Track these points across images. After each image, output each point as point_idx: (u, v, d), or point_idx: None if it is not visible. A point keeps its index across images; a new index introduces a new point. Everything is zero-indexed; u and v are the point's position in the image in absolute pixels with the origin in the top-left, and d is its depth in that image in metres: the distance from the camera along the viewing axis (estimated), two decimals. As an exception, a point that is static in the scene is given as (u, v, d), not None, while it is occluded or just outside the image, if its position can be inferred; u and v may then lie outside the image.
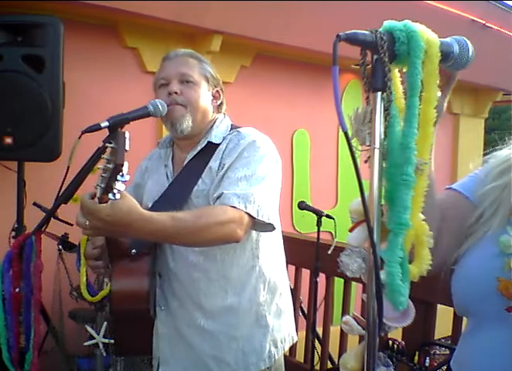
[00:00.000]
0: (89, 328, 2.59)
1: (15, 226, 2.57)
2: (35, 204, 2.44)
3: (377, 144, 0.90)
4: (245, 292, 1.59)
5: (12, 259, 1.85)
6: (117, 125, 1.51)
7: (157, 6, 2.98)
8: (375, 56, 0.91)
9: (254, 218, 1.46)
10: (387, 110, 0.92)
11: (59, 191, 1.77)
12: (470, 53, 0.99)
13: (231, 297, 1.58)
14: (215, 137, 1.61)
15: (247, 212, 1.43)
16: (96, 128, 1.48)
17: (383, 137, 0.92)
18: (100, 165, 1.23)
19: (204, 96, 1.61)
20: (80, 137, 1.48)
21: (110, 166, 1.17)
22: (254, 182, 1.49)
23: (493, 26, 4.91)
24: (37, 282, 1.84)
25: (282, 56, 4.03)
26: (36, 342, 1.79)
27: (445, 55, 0.97)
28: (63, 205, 1.81)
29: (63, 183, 1.71)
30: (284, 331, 1.69)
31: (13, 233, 2.54)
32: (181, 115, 1.57)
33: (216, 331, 1.59)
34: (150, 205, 1.61)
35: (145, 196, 1.72)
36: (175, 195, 1.58)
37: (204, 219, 1.39)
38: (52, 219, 2.06)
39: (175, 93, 1.57)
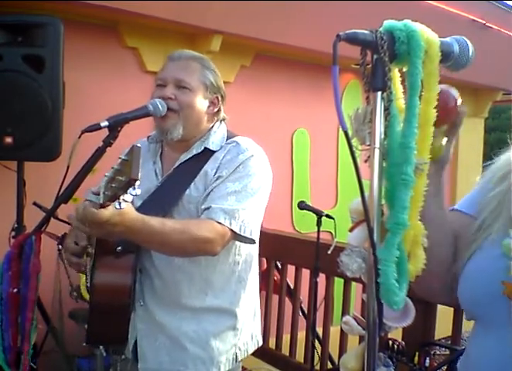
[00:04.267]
0: (89, 328, 2.59)
1: (15, 226, 2.57)
2: (35, 204, 2.43)
3: (377, 144, 0.90)
4: (224, 295, 1.65)
5: (12, 259, 1.85)
6: (116, 125, 1.51)
7: (157, 6, 2.98)
8: (375, 56, 0.91)
9: (236, 233, 1.52)
10: (387, 109, 0.92)
11: (59, 191, 1.77)
12: (470, 53, 0.99)
13: (210, 300, 1.63)
14: (212, 143, 1.63)
15: (230, 229, 1.50)
16: (96, 128, 1.49)
17: (383, 136, 0.92)
18: (108, 173, 1.23)
19: (199, 103, 1.61)
20: (79, 137, 1.48)
21: (123, 179, 1.18)
22: (242, 197, 1.54)
23: (493, 26, 4.91)
24: (33, 282, 1.83)
25: (282, 56, 4.03)
26: (26, 345, 1.78)
27: (446, 55, 0.97)
28: (62, 205, 1.81)
29: (62, 183, 1.71)
30: (248, 334, 1.73)
31: (13, 233, 2.54)
32: (171, 124, 1.58)
33: (194, 325, 1.63)
34: (139, 205, 1.61)
35: None
36: (166, 197, 1.60)
37: (189, 235, 1.46)
38: (52, 219, 2.06)
39: (169, 98, 1.57)
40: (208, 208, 1.52)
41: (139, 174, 1.18)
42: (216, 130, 1.66)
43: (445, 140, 1.05)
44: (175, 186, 1.61)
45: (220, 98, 1.67)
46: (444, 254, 1.06)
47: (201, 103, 1.62)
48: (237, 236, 1.55)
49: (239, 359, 1.71)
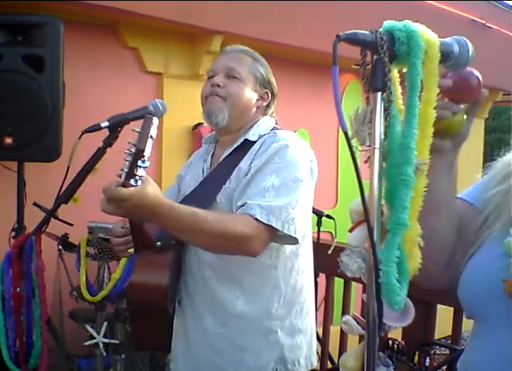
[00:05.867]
0: (89, 328, 2.59)
1: (15, 226, 2.57)
2: (35, 204, 2.44)
3: (377, 145, 0.90)
4: (257, 301, 1.52)
5: (12, 259, 1.85)
6: (117, 125, 1.52)
7: (157, 6, 2.98)
8: (375, 57, 0.91)
9: (278, 231, 1.39)
10: (387, 110, 0.92)
11: (59, 191, 1.77)
12: (470, 53, 0.99)
13: (241, 305, 1.51)
14: (252, 135, 1.57)
15: (270, 225, 1.37)
16: (96, 128, 1.49)
17: (383, 137, 0.92)
18: (127, 149, 1.19)
19: (248, 94, 1.58)
20: (80, 138, 1.49)
21: (133, 151, 1.15)
22: (282, 192, 1.41)
23: (493, 26, 4.91)
24: (40, 281, 1.84)
25: (282, 56, 4.03)
26: (44, 340, 1.79)
27: (445, 55, 0.97)
28: (63, 205, 1.81)
29: (63, 183, 1.72)
30: (298, 352, 1.58)
31: (13, 233, 2.54)
32: (218, 107, 1.55)
33: (221, 335, 1.53)
34: (180, 200, 1.57)
35: (182, 190, 1.70)
36: (204, 193, 1.54)
37: (223, 226, 1.34)
38: (52, 219, 2.07)
39: (218, 85, 1.55)
40: (243, 204, 1.40)
41: (147, 144, 1.14)
42: (260, 124, 1.61)
43: (465, 117, 1.05)
44: (213, 182, 1.55)
45: (270, 94, 1.64)
46: (447, 240, 1.05)
47: (249, 94, 1.58)
48: (277, 236, 1.41)
49: None
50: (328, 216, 2.83)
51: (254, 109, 1.61)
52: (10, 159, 2.60)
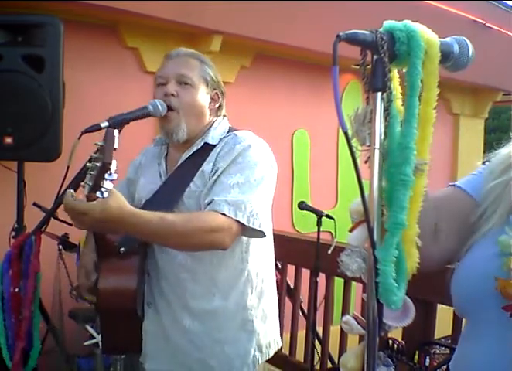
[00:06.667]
0: (89, 328, 2.60)
1: (15, 226, 2.57)
2: (35, 204, 2.44)
3: (377, 145, 0.90)
4: (232, 296, 1.59)
5: (12, 259, 1.86)
6: (116, 125, 1.51)
7: (157, 6, 2.98)
8: (375, 57, 0.91)
9: (245, 225, 1.46)
10: (387, 110, 0.92)
11: (59, 191, 1.77)
12: (470, 53, 0.99)
13: (218, 301, 1.57)
14: (212, 138, 1.60)
15: (237, 220, 1.44)
16: (96, 128, 1.49)
17: (383, 137, 0.92)
18: (88, 162, 1.22)
19: (201, 99, 1.60)
20: (79, 138, 1.48)
21: (98, 164, 1.17)
22: (246, 189, 1.49)
23: (493, 26, 4.92)
24: (31, 282, 1.83)
25: (282, 56, 4.03)
26: (20, 342, 1.78)
27: (445, 55, 0.97)
28: (62, 205, 1.81)
29: (62, 183, 1.72)
30: (269, 336, 1.68)
31: (13, 233, 2.54)
32: (175, 125, 1.57)
33: (200, 332, 1.58)
34: (142, 204, 1.60)
35: (137, 193, 1.72)
36: (167, 196, 1.58)
37: (192, 224, 1.41)
38: (52, 219, 2.07)
39: (172, 94, 1.56)
40: (211, 201, 1.47)
41: (112, 157, 1.16)
42: (216, 125, 1.64)
43: None
44: (176, 185, 1.58)
45: (220, 94, 1.66)
46: (424, 219, 1.03)
47: (203, 98, 1.61)
48: (245, 229, 1.48)
49: (260, 362, 1.64)
50: (328, 216, 2.83)
51: (208, 112, 1.64)
52: (10, 159, 2.61)
